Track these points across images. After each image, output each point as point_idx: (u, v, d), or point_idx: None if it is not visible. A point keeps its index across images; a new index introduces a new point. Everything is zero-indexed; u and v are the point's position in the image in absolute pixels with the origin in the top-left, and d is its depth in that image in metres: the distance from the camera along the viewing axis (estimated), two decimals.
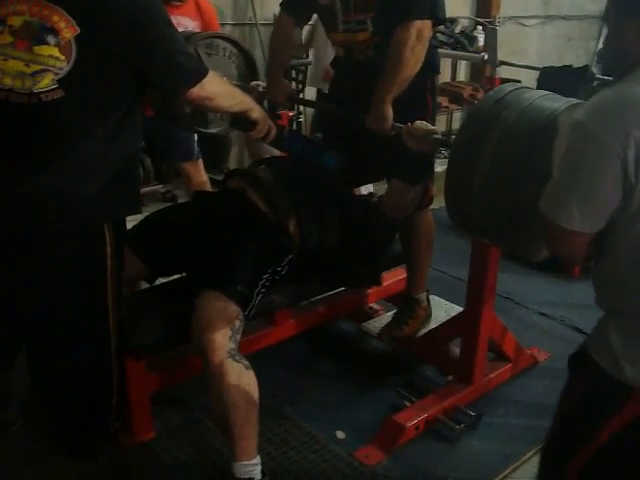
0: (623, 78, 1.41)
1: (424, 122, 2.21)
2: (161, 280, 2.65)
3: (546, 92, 1.93)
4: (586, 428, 1.48)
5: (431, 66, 2.55)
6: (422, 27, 2.35)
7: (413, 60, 2.37)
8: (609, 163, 1.30)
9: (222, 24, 5.08)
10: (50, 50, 1.83)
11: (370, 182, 3.06)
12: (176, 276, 2.65)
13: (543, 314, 3.47)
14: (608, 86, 1.42)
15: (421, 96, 2.58)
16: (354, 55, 2.58)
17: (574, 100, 1.85)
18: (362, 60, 2.56)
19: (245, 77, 2.69)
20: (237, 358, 2.12)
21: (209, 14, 3.73)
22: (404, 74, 2.38)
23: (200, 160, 3.74)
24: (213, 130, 2.65)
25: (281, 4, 2.78)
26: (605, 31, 1.55)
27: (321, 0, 2.55)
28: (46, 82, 1.84)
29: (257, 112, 2.38)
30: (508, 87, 1.95)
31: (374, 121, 2.41)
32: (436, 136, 2.18)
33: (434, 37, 2.56)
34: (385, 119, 2.39)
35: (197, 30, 3.59)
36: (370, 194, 2.80)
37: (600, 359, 1.45)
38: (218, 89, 2.16)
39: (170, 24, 2.01)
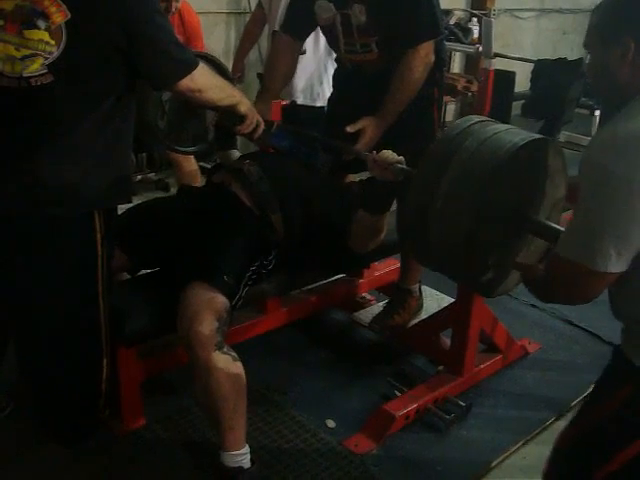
0: (624, 108, 1.40)
1: (390, 151, 2.19)
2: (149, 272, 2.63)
3: (508, 126, 1.93)
4: (625, 434, 1.47)
5: (438, 72, 2.59)
6: (429, 49, 2.43)
7: (419, 82, 2.47)
8: (638, 200, 1.29)
9: (217, 13, 5.09)
10: (40, 34, 1.81)
11: (363, 171, 3.06)
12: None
13: (534, 306, 3.47)
14: (608, 116, 1.42)
15: (428, 109, 2.62)
16: (363, 69, 2.59)
17: (535, 135, 1.84)
18: (374, 73, 2.57)
19: None
20: (224, 350, 2.11)
21: (193, 28, 3.72)
22: (407, 97, 2.47)
23: None
24: (189, 149, 2.61)
25: (281, 25, 2.77)
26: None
27: (321, 21, 2.56)
28: (36, 66, 1.82)
29: (245, 106, 2.34)
30: (473, 118, 1.95)
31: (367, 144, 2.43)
32: (400, 166, 2.15)
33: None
34: (372, 142, 2.43)
35: None
36: (361, 181, 2.78)
37: None
38: (208, 82, 2.12)
39: (161, 13, 1.99)
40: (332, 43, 2.65)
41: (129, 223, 2.48)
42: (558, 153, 1.86)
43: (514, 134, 1.84)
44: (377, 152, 2.21)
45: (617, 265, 1.35)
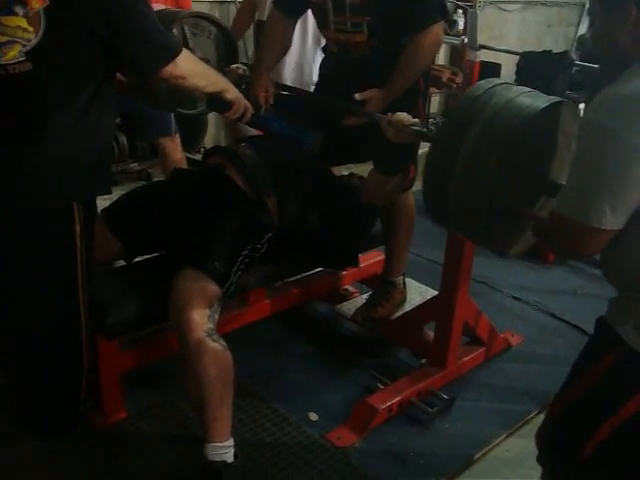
0: (624, 72, 1.42)
1: (405, 113, 2.20)
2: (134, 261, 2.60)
3: (530, 89, 1.92)
4: (612, 402, 1.51)
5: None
6: (439, 30, 2.46)
7: (429, 61, 2.55)
8: (634, 159, 1.31)
9: (201, 1, 5.02)
10: (18, 21, 1.77)
11: (353, 162, 3.05)
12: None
13: (517, 298, 3.49)
14: (610, 81, 1.43)
15: (412, 100, 2.60)
16: (349, 53, 2.58)
17: (555, 98, 1.84)
18: (359, 58, 2.56)
19: (226, 60, 2.65)
20: (215, 338, 2.10)
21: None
22: (415, 74, 2.49)
23: (177, 136, 3.69)
24: (192, 111, 2.61)
25: (273, 2, 2.76)
26: (588, 24, 1.58)
27: None
28: (13, 54, 1.79)
29: (232, 93, 2.33)
30: (494, 81, 1.94)
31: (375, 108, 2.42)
32: (416, 128, 2.16)
33: None
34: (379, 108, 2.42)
35: None
36: (351, 174, 2.78)
37: (633, 340, 1.46)
38: (192, 68, 2.11)
39: (144, 0, 1.96)
40: (321, 21, 2.63)
41: (123, 208, 2.48)
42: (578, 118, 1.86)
43: (537, 96, 1.84)
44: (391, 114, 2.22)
45: (612, 222, 1.37)
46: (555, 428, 1.69)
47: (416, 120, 2.19)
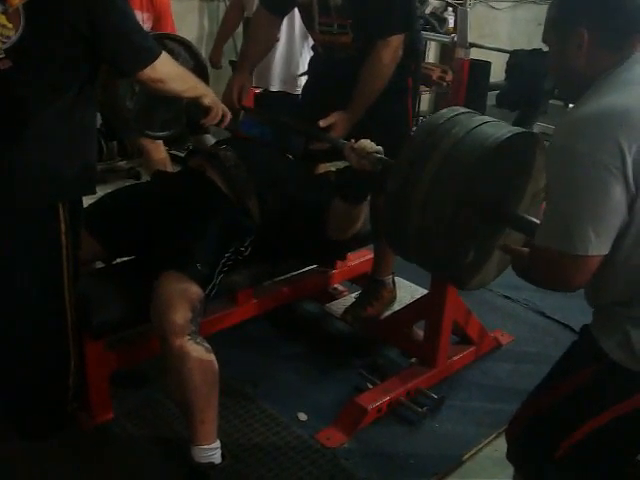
0: (586, 93, 1.44)
1: (369, 140, 2.18)
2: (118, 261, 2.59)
3: (493, 118, 1.91)
4: (592, 409, 1.52)
5: (414, 62, 2.59)
6: (399, 43, 2.43)
7: (387, 75, 2.45)
8: (610, 180, 1.30)
9: None
10: None
11: (337, 160, 3.04)
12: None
13: (507, 297, 3.48)
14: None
15: (401, 99, 2.61)
16: (335, 53, 2.58)
17: (521, 129, 1.83)
18: (344, 58, 2.56)
19: None
20: (198, 340, 2.08)
21: (162, 4, 3.56)
22: (376, 90, 2.45)
23: None
24: (160, 133, 2.55)
25: (261, 0, 2.75)
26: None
27: None
28: None
29: (210, 98, 2.30)
30: (459, 109, 1.93)
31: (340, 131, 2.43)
32: (379, 155, 2.13)
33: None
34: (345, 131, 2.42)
35: (147, 22, 3.46)
36: (338, 170, 2.76)
37: (616, 355, 1.46)
38: (170, 72, 2.07)
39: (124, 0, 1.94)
40: (308, 22, 2.64)
41: (103, 210, 2.45)
42: (543, 149, 1.84)
43: (501, 126, 1.82)
44: (355, 140, 2.19)
45: (597, 247, 1.35)
46: (530, 427, 1.68)
47: (379, 147, 2.16)
